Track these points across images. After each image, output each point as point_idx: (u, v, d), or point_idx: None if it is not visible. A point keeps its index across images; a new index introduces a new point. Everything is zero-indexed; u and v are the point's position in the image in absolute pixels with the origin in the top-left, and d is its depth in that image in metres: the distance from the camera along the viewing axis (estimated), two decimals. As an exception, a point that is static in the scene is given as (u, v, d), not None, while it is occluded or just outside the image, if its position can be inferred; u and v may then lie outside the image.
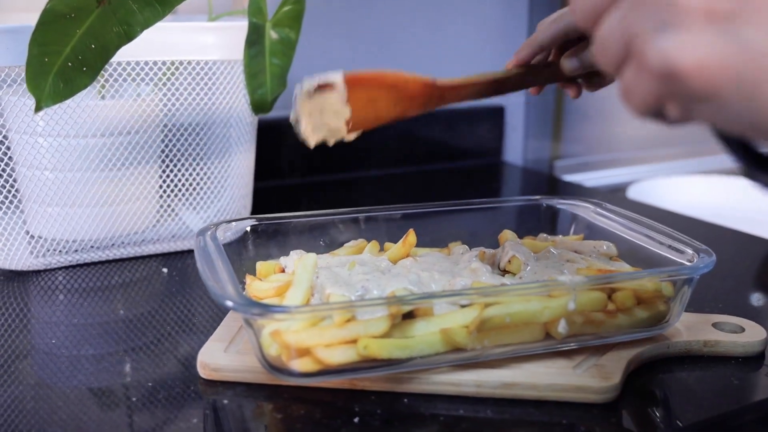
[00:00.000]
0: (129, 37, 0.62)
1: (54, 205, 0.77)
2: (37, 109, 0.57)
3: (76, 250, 0.77)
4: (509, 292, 0.51)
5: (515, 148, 1.35)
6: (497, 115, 1.30)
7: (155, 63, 0.74)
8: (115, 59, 0.73)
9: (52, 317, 0.64)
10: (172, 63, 0.77)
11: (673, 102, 0.34)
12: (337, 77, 0.49)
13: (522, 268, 0.59)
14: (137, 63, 0.74)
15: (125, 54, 0.74)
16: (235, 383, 0.52)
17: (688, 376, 0.54)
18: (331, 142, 0.51)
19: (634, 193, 1.23)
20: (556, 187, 1.22)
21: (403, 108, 0.52)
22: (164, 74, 0.77)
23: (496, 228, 0.69)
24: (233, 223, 0.64)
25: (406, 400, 0.50)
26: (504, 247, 0.62)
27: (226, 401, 0.50)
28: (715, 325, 0.60)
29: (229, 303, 0.46)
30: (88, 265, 0.77)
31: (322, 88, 0.49)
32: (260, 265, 0.61)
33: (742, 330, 0.59)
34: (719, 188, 1.34)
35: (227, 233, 0.63)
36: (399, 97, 0.51)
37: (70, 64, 0.58)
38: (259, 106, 0.78)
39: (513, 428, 0.47)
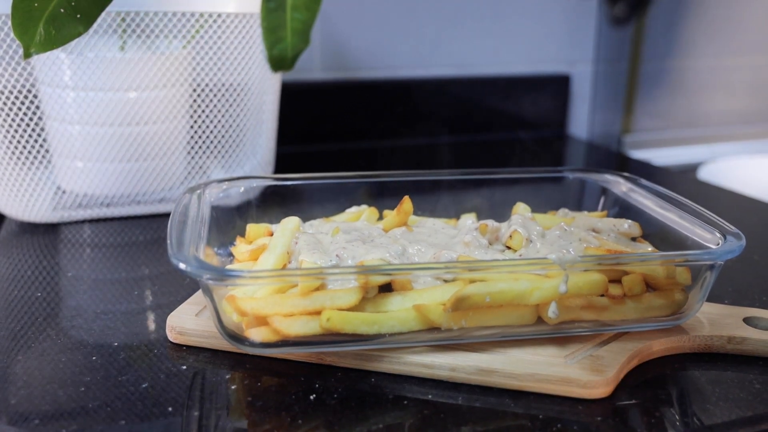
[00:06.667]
0: (127, -17, 0.60)
1: (81, 159, 0.76)
2: (26, 55, 0.56)
3: (107, 205, 0.77)
4: (489, 269, 0.46)
5: (581, 120, 1.26)
6: (562, 83, 1.22)
7: (183, 14, 0.71)
8: (142, 10, 0.71)
9: (79, 272, 0.64)
10: (210, 15, 0.73)
11: None
12: None
13: (524, 245, 0.53)
14: (165, 14, 0.72)
15: (151, 5, 0.71)
16: (202, 349, 0.50)
17: (701, 375, 0.48)
18: None
19: (706, 174, 1.13)
20: (619, 163, 1.13)
21: None
22: (197, 30, 0.74)
23: (518, 201, 0.63)
24: (244, 180, 0.61)
25: (373, 379, 0.46)
26: (509, 221, 0.56)
27: (184, 367, 0.47)
28: (747, 320, 0.53)
29: (182, 265, 0.44)
30: (116, 219, 0.77)
31: None
32: (250, 228, 0.58)
33: (779, 328, 0.52)
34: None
35: (237, 193, 0.61)
36: None
37: (62, 10, 0.56)
38: (277, 62, 0.75)
39: (478, 418, 0.42)
